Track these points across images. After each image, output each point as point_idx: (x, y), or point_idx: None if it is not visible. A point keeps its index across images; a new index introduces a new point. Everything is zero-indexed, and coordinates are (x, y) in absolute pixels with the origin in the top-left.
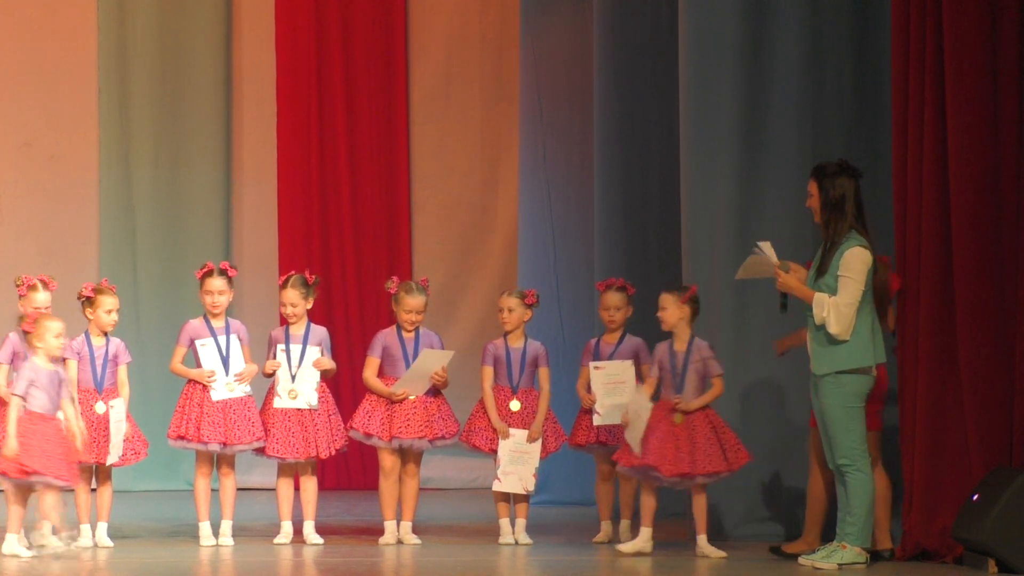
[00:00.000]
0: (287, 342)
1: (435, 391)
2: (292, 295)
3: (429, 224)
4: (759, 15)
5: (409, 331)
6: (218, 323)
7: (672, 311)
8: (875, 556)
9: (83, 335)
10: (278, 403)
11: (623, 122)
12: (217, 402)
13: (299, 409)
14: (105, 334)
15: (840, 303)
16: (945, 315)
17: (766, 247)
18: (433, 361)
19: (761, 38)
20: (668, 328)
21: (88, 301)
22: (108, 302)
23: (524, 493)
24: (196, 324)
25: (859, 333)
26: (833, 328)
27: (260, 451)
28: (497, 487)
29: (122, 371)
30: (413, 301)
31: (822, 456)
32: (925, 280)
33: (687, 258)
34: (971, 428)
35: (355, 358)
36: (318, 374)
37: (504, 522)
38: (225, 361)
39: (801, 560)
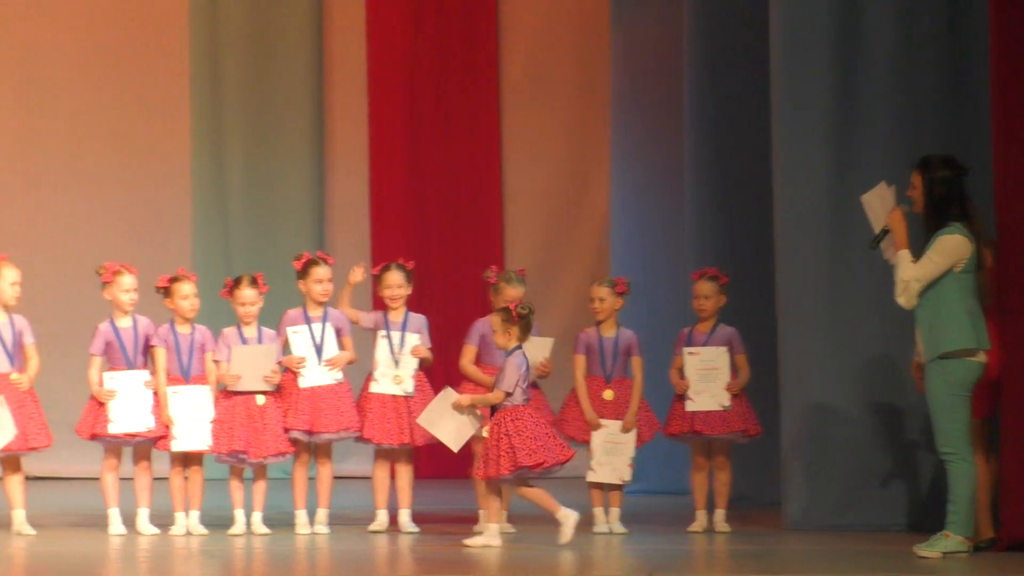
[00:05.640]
0: (387, 328)
1: (533, 382)
2: (397, 276)
3: (521, 213)
4: (852, 5)
5: None
6: (316, 312)
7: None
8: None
9: (168, 324)
10: (375, 388)
11: (715, 110)
12: (305, 389)
13: (395, 396)
14: (190, 322)
15: (907, 275)
16: None
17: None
18: (535, 349)
19: (854, 27)
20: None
21: (165, 291)
22: (184, 288)
23: (620, 483)
24: (294, 314)
25: (955, 316)
26: (896, 293)
27: (359, 438)
28: (591, 478)
29: (208, 359)
30: (513, 291)
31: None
32: None
33: (779, 247)
34: None
35: (447, 346)
36: (416, 361)
37: (598, 511)
38: (318, 349)
39: (914, 549)
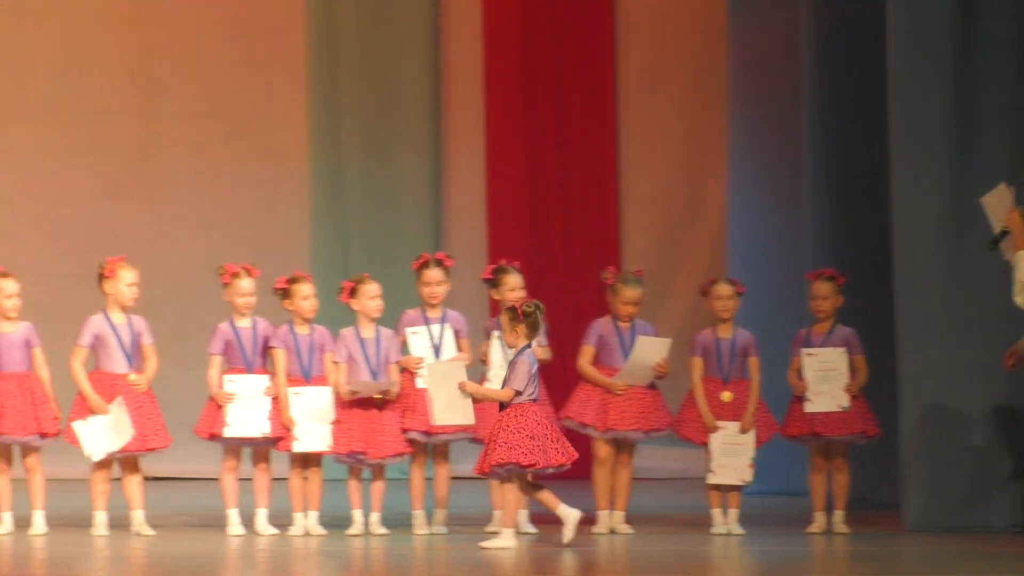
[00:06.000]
0: (500, 330)
1: (651, 383)
2: (519, 278)
3: (638, 214)
4: (969, 5)
5: (626, 322)
6: (434, 313)
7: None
8: None
9: (287, 325)
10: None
11: (833, 111)
12: (422, 390)
13: None
14: (309, 323)
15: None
16: None
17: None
18: (652, 350)
19: (972, 27)
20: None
21: (284, 293)
22: (304, 289)
23: (741, 484)
24: (412, 314)
25: None
26: (1013, 293)
27: (477, 439)
28: (712, 480)
29: (328, 360)
30: (631, 292)
31: None
32: None
33: (898, 248)
34: None
35: (564, 347)
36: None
37: (716, 512)
38: (436, 350)
39: None
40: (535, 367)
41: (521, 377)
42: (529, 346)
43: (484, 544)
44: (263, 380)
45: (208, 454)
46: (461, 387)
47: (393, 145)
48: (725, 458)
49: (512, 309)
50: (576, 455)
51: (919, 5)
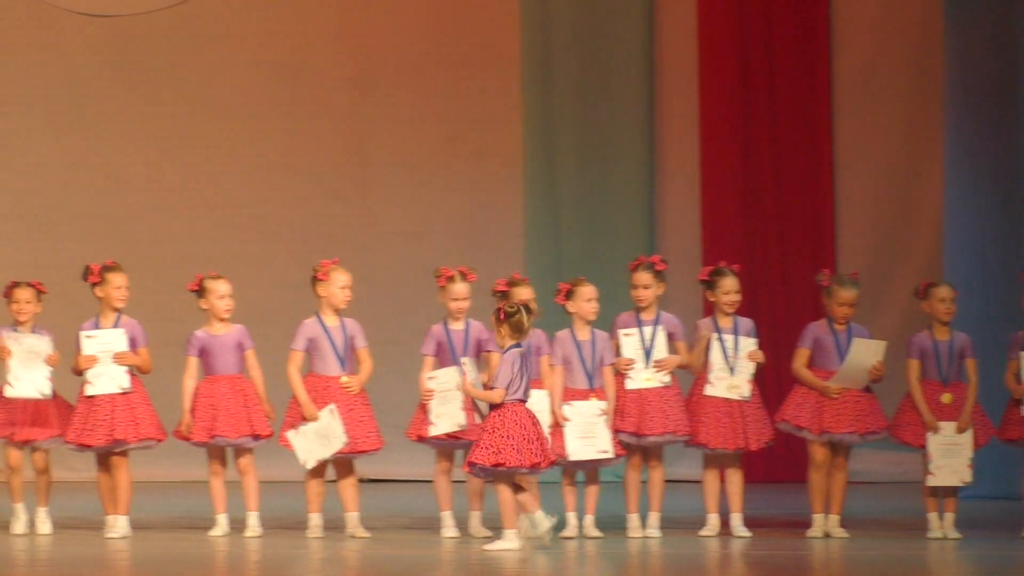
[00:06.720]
0: (719, 332)
1: (866, 386)
2: (735, 281)
3: (853, 216)
4: None
5: (841, 324)
6: (647, 316)
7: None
8: None
9: None
10: (710, 391)
11: None
12: (631, 391)
13: (728, 399)
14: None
15: None
16: None
17: None
18: (867, 353)
19: None
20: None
21: (502, 296)
22: (522, 292)
23: (961, 485)
24: (626, 317)
25: None
26: None
27: (691, 442)
28: (932, 482)
29: (544, 363)
30: (846, 294)
31: None
32: None
33: None
34: None
35: (779, 349)
36: (753, 366)
37: (932, 516)
38: (647, 352)
39: None
40: (517, 365)
41: (504, 376)
42: (518, 345)
43: (487, 547)
44: (455, 372)
45: (421, 456)
46: (459, 387)
47: (607, 148)
48: (944, 459)
49: (497, 310)
50: (553, 460)
51: None
